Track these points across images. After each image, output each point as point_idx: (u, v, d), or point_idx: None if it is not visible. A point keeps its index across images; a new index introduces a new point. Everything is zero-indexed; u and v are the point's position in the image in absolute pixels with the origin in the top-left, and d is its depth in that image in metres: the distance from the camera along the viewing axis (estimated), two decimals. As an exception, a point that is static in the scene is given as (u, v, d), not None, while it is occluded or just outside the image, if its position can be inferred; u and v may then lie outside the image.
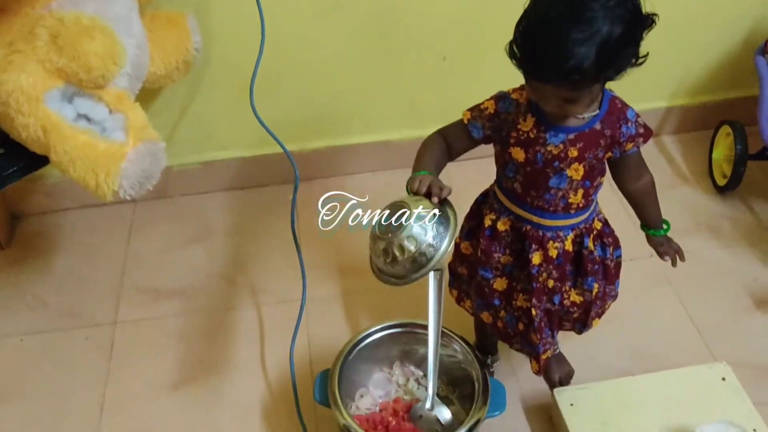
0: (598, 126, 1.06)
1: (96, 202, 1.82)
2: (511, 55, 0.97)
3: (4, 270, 1.68)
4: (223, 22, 1.57)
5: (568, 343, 1.43)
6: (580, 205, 1.12)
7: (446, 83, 1.79)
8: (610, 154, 1.09)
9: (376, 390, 1.32)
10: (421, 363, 1.32)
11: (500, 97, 1.09)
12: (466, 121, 1.11)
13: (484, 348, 1.42)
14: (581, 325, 1.27)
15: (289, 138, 1.78)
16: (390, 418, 1.25)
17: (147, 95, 1.61)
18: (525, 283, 1.18)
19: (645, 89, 1.91)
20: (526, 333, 1.22)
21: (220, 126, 1.78)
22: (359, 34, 1.67)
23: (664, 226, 1.21)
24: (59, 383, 1.45)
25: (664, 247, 1.21)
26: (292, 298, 1.56)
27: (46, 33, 1.10)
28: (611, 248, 1.21)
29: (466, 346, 1.27)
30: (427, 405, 1.24)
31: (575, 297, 1.21)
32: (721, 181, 1.82)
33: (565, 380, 1.39)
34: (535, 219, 1.13)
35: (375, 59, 1.72)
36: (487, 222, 1.18)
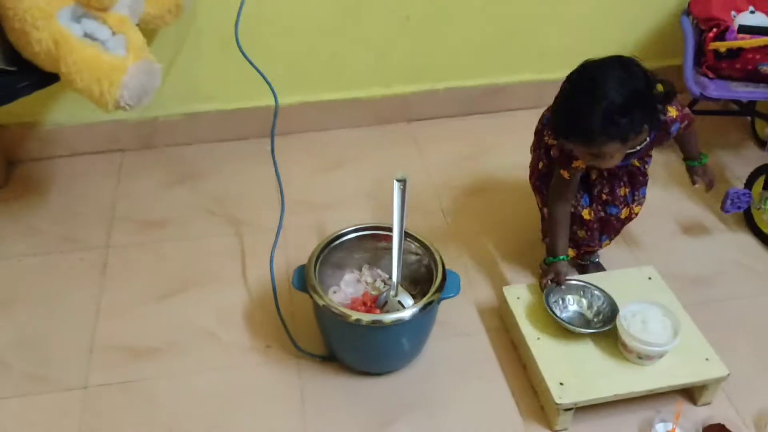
0: (648, 143, 1.38)
1: (87, 150, 1.98)
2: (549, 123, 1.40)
3: (1, 205, 1.82)
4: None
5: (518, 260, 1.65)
6: (637, 164, 1.46)
7: (410, 42, 1.99)
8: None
9: (347, 288, 1.48)
10: (387, 266, 1.50)
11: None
12: (566, 177, 1.41)
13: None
14: (593, 242, 1.56)
15: (264, 93, 1.98)
16: (360, 307, 1.42)
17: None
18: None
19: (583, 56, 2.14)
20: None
21: (204, 79, 1.94)
22: (331, -5, 1.87)
23: (702, 158, 1.51)
24: (57, 293, 1.59)
25: (699, 174, 1.52)
26: (269, 228, 1.73)
27: (60, -44, 1.28)
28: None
29: (428, 246, 1.44)
30: (392, 292, 1.41)
31: (637, 209, 1.52)
32: (655, 134, 2.04)
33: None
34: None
35: (344, 18, 1.91)
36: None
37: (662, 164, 1.98)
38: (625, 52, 2.12)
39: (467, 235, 1.75)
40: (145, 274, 1.64)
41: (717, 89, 1.81)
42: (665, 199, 1.88)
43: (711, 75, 1.83)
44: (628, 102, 1.22)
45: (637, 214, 1.55)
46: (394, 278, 1.41)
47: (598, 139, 1.24)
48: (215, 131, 2.03)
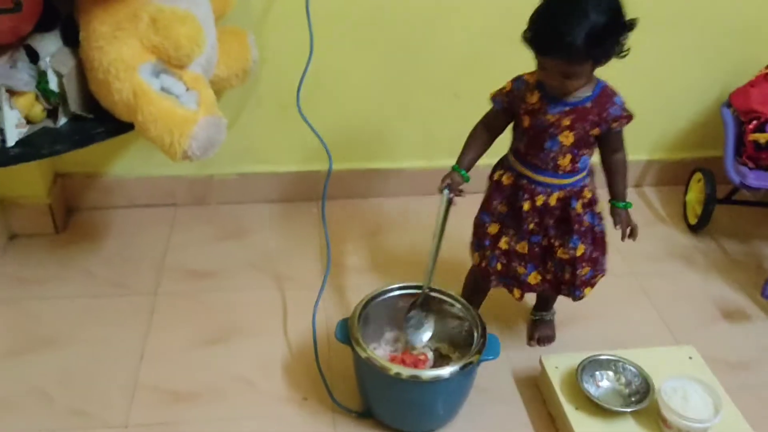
0: (588, 105, 1.36)
1: (143, 202, 2.07)
2: (524, 38, 1.30)
3: (57, 249, 1.90)
4: (273, 48, 1.87)
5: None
6: (567, 168, 1.39)
7: (457, 119, 2.06)
8: (597, 130, 1.37)
9: (387, 346, 1.52)
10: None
11: (515, 79, 1.42)
12: (490, 98, 1.43)
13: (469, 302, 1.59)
14: (572, 287, 1.49)
15: (316, 159, 2.07)
16: (399, 365, 1.44)
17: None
18: (513, 228, 1.46)
19: (627, 143, 2.20)
20: (505, 271, 1.50)
21: (260, 142, 2.04)
22: (384, 70, 1.97)
23: (627, 202, 1.48)
24: (105, 334, 1.64)
25: (622, 217, 1.47)
26: (311, 285, 1.78)
27: (147, 16, 1.39)
28: (599, 219, 1.47)
29: (469, 308, 1.47)
30: (418, 301, 1.49)
31: (561, 254, 1.45)
32: (693, 220, 2.07)
33: (543, 341, 1.63)
34: (531, 174, 1.42)
35: (396, 94, 2.02)
36: (496, 176, 1.48)
37: (702, 251, 2.00)
38: (666, 141, 2.25)
39: (505, 301, 1.77)
40: (190, 321, 1.69)
41: (757, 179, 1.85)
42: (705, 286, 1.89)
43: (751, 165, 1.88)
44: (610, 22, 1.24)
45: (565, 260, 1.47)
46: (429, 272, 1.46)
47: (578, 57, 1.25)
48: (265, 192, 2.11)
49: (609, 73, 2.04)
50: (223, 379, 1.54)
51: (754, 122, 1.87)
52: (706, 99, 2.14)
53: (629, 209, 1.48)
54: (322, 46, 1.82)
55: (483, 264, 1.52)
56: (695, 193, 2.10)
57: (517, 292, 1.53)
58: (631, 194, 2.29)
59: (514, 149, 1.46)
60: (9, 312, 1.69)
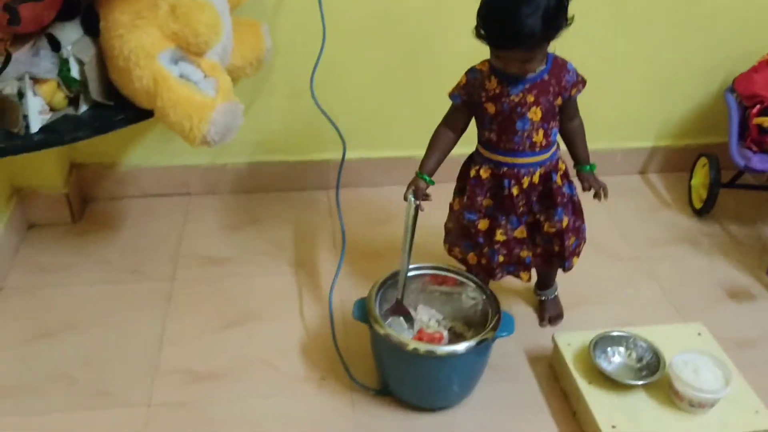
0: (546, 77, 1.39)
1: (157, 192, 2.10)
2: (478, 35, 1.32)
3: (74, 238, 1.93)
4: (285, 38, 1.90)
5: (567, 316, 1.72)
6: (543, 144, 1.43)
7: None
8: (560, 99, 1.41)
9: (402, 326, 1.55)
10: (442, 307, 1.57)
11: (468, 71, 1.44)
12: (449, 96, 1.46)
13: None
14: (562, 259, 1.54)
15: (326, 148, 2.11)
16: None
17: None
18: (505, 218, 1.48)
19: (632, 130, 2.25)
20: (508, 260, 1.53)
21: (272, 132, 2.08)
22: (394, 60, 2.00)
23: (592, 164, 1.52)
24: (125, 319, 1.67)
25: (590, 181, 1.50)
26: (325, 271, 1.82)
27: (166, 4, 1.42)
28: (574, 188, 1.52)
29: (484, 288, 1.51)
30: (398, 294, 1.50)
31: (548, 228, 1.50)
32: (698, 205, 2.11)
33: (554, 320, 1.67)
34: (510, 160, 1.44)
35: (404, 83, 2.05)
36: (472, 173, 1.49)
37: (707, 235, 2.04)
38: (670, 128, 2.28)
39: (506, 285, 1.80)
40: (207, 306, 1.72)
41: (761, 162, 1.88)
42: (711, 268, 1.92)
43: (755, 149, 1.91)
44: (559, 2, 1.26)
45: (552, 233, 1.51)
46: (399, 291, 1.49)
47: (539, 42, 1.28)
48: (277, 181, 2.15)
49: (616, 61, 2.09)
50: (241, 361, 1.58)
51: (758, 106, 1.90)
52: (710, 85, 2.18)
53: (594, 171, 1.52)
54: (333, 37, 1.85)
55: (483, 261, 1.54)
56: (700, 178, 2.13)
57: (525, 276, 1.56)
58: (636, 181, 2.36)
59: (483, 142, 1.47)
60: (29, 299, 1.72)
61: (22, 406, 1.45)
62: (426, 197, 1.45)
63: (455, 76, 2.09)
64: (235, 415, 1.45)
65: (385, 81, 2.04)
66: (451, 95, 1.45)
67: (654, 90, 2.18)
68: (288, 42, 1.91)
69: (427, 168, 1.47)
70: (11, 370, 1.53)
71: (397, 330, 1.46)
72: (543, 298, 1.71)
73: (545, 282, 1.70)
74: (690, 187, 2.17)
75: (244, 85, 1.96)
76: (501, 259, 1.52)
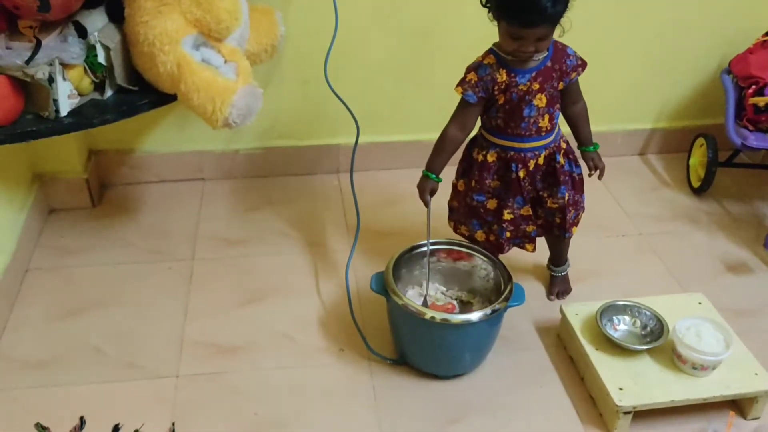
0: (549, 63, 1.46)
1: (173, 177, 2.17)
2: (499, 16, 1.38)
3: (95, 221, 1.99)
4: (295, 26, 1.96)
5: (573, 289, 1.79)
6: (548, 128, 1.51)
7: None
8: (562, 84, 1.48)
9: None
10: (447, 278, 1.66)
11: (476, 67, 1.48)
12: (460, 94, 1.49)
13: None
14: (562, 230, 1.62)
15: (336, 133, 2.17)
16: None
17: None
18: (512, 197, 1.55)
19: (631, 112, 2.32)
20: (515, 236, 1.61)
21: (283, 117, 2.14)
22: (404, 45, 2.07)
23: (595, 143, 1.60)
24: (149, 297, 1.74)
25: (595, 161, 1.60)
26: (339, 249, 1.89)
27: (190, -9, 1.49)
28: (575, 164, 1.59)
29: (496, 261, 1.58)
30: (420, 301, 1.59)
31: (551, 204, 1.58)
32: (696, 184, 2.18)
33: (562, 295, 1.76)
34: (517, 144, 1.51)
35: (413, 68, 2.11)
36: (479, 157, 1.56)
37: (706, 212, 2.11)
38: (668, 110, 2.35)
39: (514, 258, 1.87)
40: (227, 283, 1.79)
41: (757, 140, 1.96)
42: (710, 243, 2.00)
43: (751, 127, 1.98)
44: None
45: (555, 208, 1.59)
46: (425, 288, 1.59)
47: (557, 19, 1.35)
48: (289, 165, 2.21)
49: (612, 45, 2.16)
50: (263, 334, 1.64)
51: (753, 87, 1.98)
52: (707, 67, 2.25)
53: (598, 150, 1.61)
54: (344, 23, 1.91)
55: (491, 238, 1.62)
56: (698, 158, 2.21)
57: (530, 247, 1.65)
58: (636, 162, 2.43)
59: (490, 128, 1.53)
60: (55, 279, 1.79)
61: (56, 378, 1.52)
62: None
63: (466, 60, 2.15)
64: (258, 384, 1.52)
65: (396, 67, 2.10)
66: (465, 94, 1.48)
67: (652, 73, 2.25)
68: (299, 29, 1.97)
69: (437, 169, 1.55)
70: (43, 345, 1.60)
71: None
72: (555, 274, 1.78)
73: (558, 259, 1.77)
74: (688, 166, 2.24)
75: (256, 72, 1.97)
76: (508, 234, 1.60)
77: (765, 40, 2.04)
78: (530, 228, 1.61)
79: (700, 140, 2.20)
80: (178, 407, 1.46)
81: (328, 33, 1.89)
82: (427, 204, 1.53)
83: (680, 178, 2.27)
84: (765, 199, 2.18)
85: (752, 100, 1.97)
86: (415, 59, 2.10)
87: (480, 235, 1.63)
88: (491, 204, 1.58)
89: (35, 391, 1.49)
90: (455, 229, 1.69)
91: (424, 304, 1.58)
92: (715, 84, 2.23)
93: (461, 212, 1.65)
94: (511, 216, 1.57)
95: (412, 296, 1.62)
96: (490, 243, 1.63)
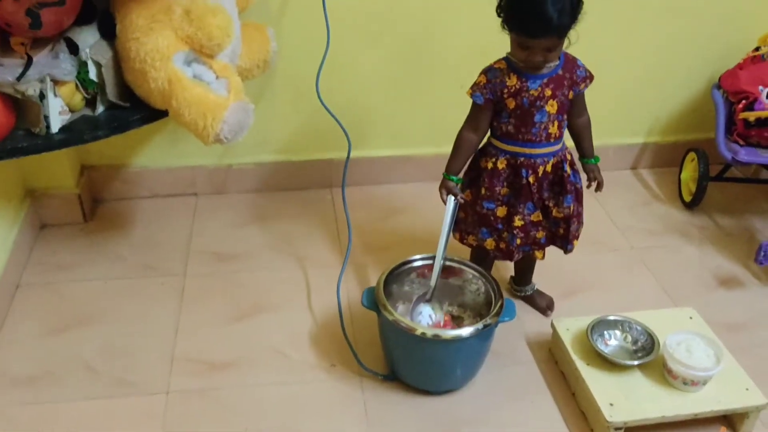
0: (560, 72, 1.49)
1: (165, 192, 2.17)
2: (508, 26, 1.42)
3: (87, 236, 1.99)
4: (287, 42, 1.97)
5: (565, 304, 1.80)
6: (556, 135, 1.53)
7: (463, 109, 2.18)
8: (571, 93, 1.51)
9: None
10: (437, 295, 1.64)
11: (487, 71, 1.52)
12: (470, 96, 1.52)
13: None
14: (565, 241, 1.62)
15: (329, 147, 2.18)
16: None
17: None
18: (522, 204, 1.56)
19: (623, 127, 2.33)
20: (525, 243, 1.61)
21: (275, 132, 2.14)
22: (395, 60, 2.08)
23: (596, 156, 1.62)
24: (140, 312, 1.74)
25: (595, 173, 1.62)
26: (331, 264, 1.89)
27: (181, 8, 1.49)
28: (578, 175, 1.61)
29: (487, 276, 1.59)
30: (428, 296, 1.58)
31: (556, 213, 1.59)
32: (688, 198, 2.19)
33: (550, 307, 1.77)
34: (527, 150, 1.53)
35: (405, 83, 2.12)
36: (489, 165, 1.57)
37: (697, 226, 2.12)
38: (659, 124, 2.37)
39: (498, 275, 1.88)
40: (219, 299, 1.79)
41: (747, 155, 1.97)
42: (701, 257, 2.00)
43: (741, 142, 1.99)
44: None
45: (560, 218, 1.60)
46: (433, 282, 1.57)
47: (567, 29, 1.38)
48: (281, 180, 2.21)
49: (606, 60, 2.18)
50: (254, 350, 1.64)
51: (744, 102, 1.99)
52: (698, 83, 2.26)
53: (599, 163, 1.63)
54: (335, 39, 1.92)
55: (502, 245, 1.62)
56: (689, 172, 2.22)
57: (539, 254, 1.66)
58: (627, 176, 2.44)
59: (500, 134, 1.55)
60: (46, 294, 1.78)
61: (45, 395, 1.51)
62: (459, 192, 1.56)
63: (458, 74, 2.18)
64: (249, 400, 1.52)
65: (386, 82, 2.11)
66: (474, 96, 1.51)
67: (644, 88, 2.27)
68: (291, 45, 1.98)
69: (455, 170, 1.57)
70: (33, 361, 1.59)
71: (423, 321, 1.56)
72: (524, 294, 1.80)
73: (524, 279, 1.78)
74: (680, 181, 2.25)
75: (248, 88, 2.00)
76: (519, 241, 1.61)
77: (755, 56, 2.06)
78: (540, 234, 1.62)
79: (692, 155, 2.22)
80: (168, 423, 1.46)
81: (320, 49, 1.90)
82: (445, 202, 1.55)
83: (672, 192, 2.28)
84: (756, 214, 2.19)
85: (742, 115, 1.98)
86: (407, 75, 2.11)
87: (490, 243, 1.63)
88: (501, 211, 1.59)
89: (25, 407, 1.49)
90: (461, 240, 1.69)
91: (429, 299, 1.58)
92: (705, 99, 2.25)
93: (469, 222, 1.65)
94: (522, 222, 1.59)
95: (402, 312, 1.62)
96: (500, 251, 1.63)
